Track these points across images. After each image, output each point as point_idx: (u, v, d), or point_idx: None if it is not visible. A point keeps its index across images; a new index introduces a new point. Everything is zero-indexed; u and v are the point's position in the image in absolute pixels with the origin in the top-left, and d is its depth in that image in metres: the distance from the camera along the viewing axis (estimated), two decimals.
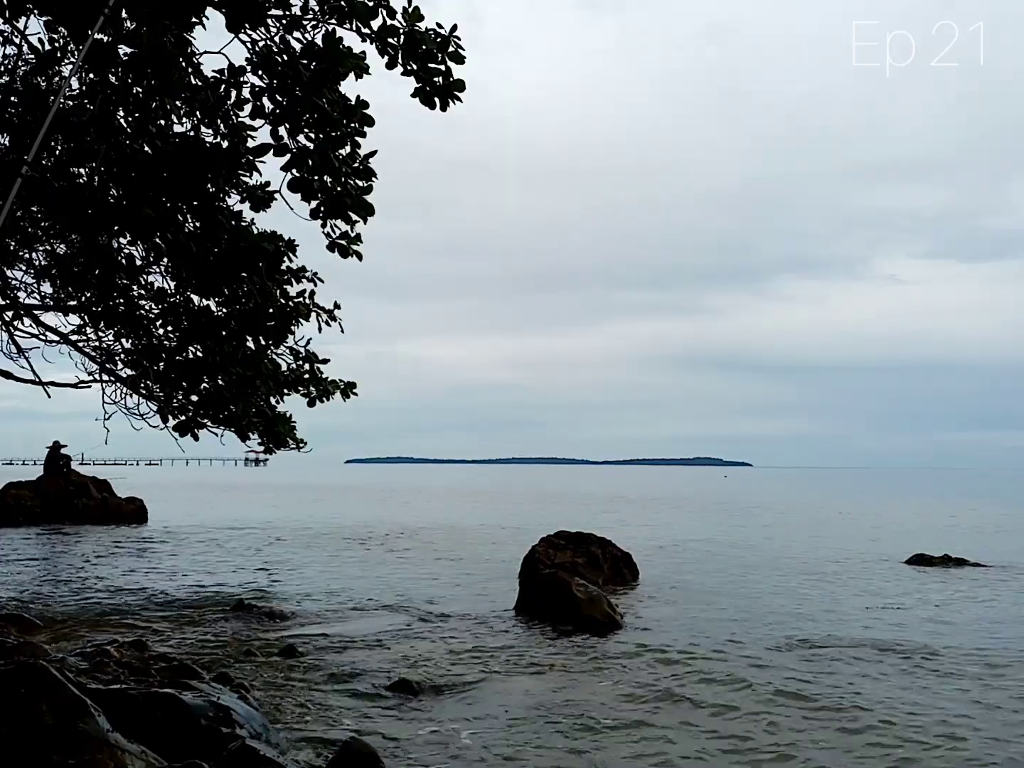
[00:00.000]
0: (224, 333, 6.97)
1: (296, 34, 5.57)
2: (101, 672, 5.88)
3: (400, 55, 5.43)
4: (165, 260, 6.81)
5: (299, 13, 5.50)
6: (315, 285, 7.03)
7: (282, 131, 5.78)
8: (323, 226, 6.10)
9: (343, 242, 6.19)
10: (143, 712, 4.70)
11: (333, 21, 5.46)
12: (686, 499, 48.35)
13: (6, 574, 13.91)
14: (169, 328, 7.31)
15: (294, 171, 5.83)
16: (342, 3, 5.38)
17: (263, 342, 7.13)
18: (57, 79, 6.02)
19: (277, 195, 6.17)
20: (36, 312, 7.44)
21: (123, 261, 6.92)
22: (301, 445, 8.46)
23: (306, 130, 5.74)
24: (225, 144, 6.06)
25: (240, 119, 5.97)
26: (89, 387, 7.80)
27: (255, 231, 6.62)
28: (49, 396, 7.74)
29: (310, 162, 5.78)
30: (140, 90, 5.49)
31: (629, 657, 8.67)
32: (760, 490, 67.48)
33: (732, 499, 48.83)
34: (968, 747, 6.00)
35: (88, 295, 7.17)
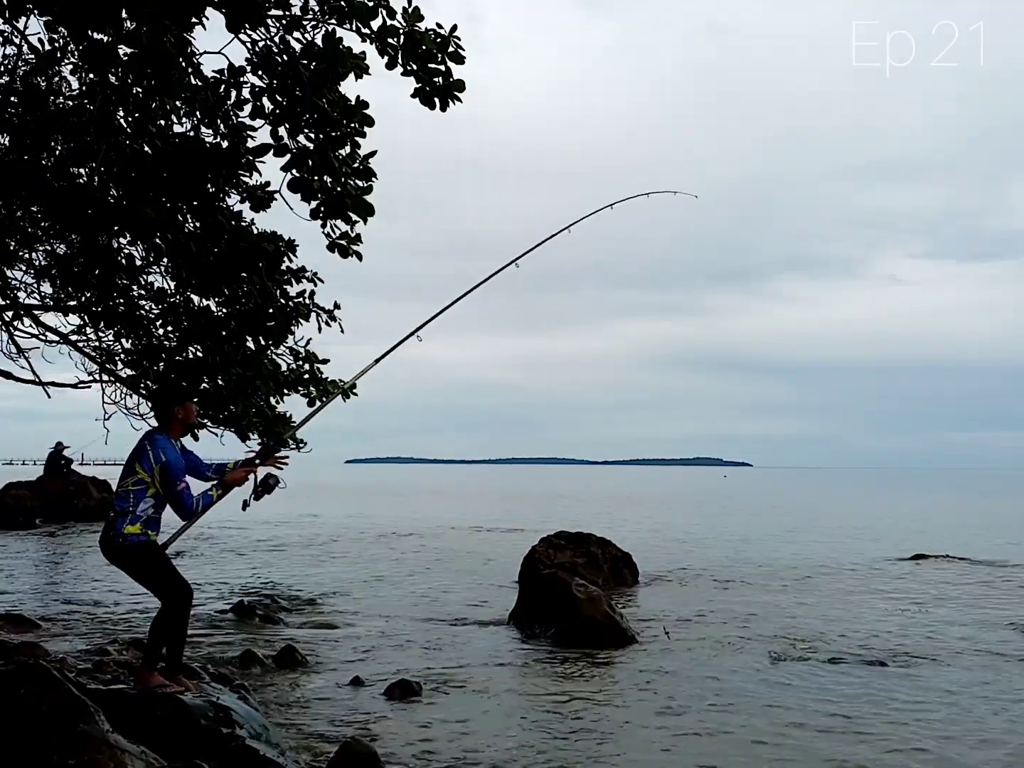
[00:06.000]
0: (224, 333, 6.95)
1: (296, 34, 5.56)
2: (101, 672, 5.89)
3: (400, 55, 5.43)
4: (165, 260, 6.80)
5: (299, 13, 5.49)
6: (315, 285, 7.02)
7: (282, 131, 5.77)
8: (323, 226, 6.09)
9: (343, 242, 6.18)
10: (143, 712, 4.70)
11: (333, 21, 5.45)
12: (686, 499, 48.36)
13: (6, 574, 13.91)
14: (169, 328, 7.29)
15: (294, 171, 5.82)
16: (342, 3, 5.38)
17: (263, 342, 7.11)
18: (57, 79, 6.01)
19: (277, 195, 6.16)
20: (36, 312, 7.43)
21: (123, 261, 6.90)
22: (301, 445, 8.44)
23: (306, 130, 5.74)
24: (225, 144, 6.05)
25: (240, 119, 5.96)
26: (89, 387, 7.78)
27: (255, 231, 6.61)
28: (49, 396, 7.73)
29: (310, 162, 5.77)
30: (140, 90, 5.48)
31: (629, 658, 8.67)
32: (760, 490, 67.49)
33: (732, 499, 48.82)
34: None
35: (88, 295, 7.15)
